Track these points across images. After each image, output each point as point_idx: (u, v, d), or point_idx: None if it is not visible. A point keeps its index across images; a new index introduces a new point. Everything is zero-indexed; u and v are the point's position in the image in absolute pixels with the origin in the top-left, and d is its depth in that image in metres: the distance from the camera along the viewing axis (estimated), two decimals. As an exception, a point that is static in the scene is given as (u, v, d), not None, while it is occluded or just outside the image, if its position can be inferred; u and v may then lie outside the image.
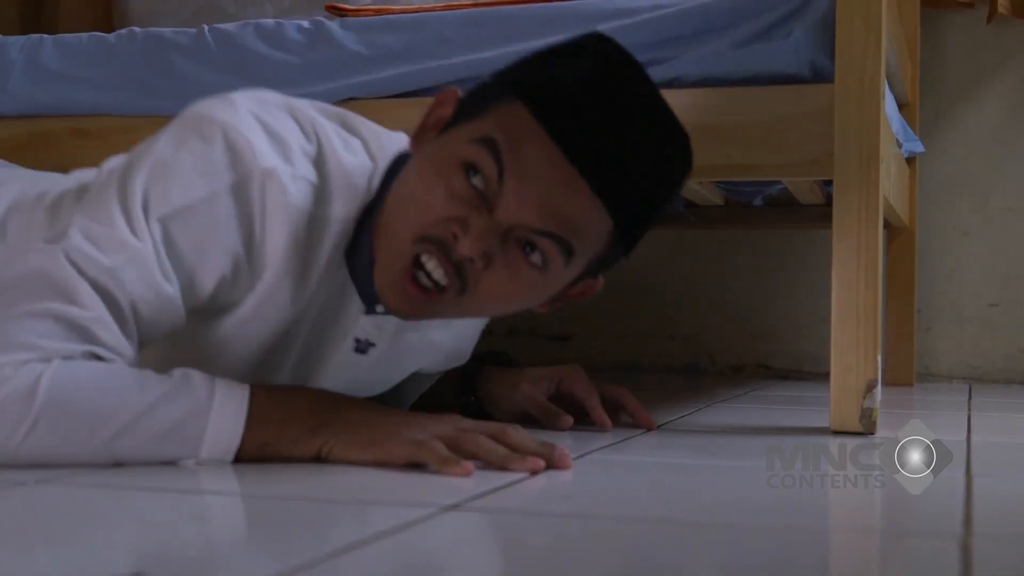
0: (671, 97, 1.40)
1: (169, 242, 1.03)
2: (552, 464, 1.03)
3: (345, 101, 1.50)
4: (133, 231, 1.01)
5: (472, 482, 0.96)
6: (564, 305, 1.17)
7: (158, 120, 1.58)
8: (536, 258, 1.04)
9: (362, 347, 1.19)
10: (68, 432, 0.98)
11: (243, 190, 1.04)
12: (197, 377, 1.02)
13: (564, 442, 1.26)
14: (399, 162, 1.12)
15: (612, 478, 1.05)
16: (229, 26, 1.58)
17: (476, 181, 1.02)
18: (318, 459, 1.02)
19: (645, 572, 0.70)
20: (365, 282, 1.11)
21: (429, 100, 1.45)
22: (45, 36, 1.64)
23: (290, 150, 1.07)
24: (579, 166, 1.01)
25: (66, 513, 0.83)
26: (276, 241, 1.05)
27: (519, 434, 1.06)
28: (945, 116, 2.31)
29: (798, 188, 1.77)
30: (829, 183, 1.64)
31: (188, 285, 1.05)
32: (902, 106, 2.12)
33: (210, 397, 1.01)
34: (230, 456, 1.01)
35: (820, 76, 1.36)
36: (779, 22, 1.38)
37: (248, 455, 1.01)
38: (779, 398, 1.84)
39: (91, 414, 0.98)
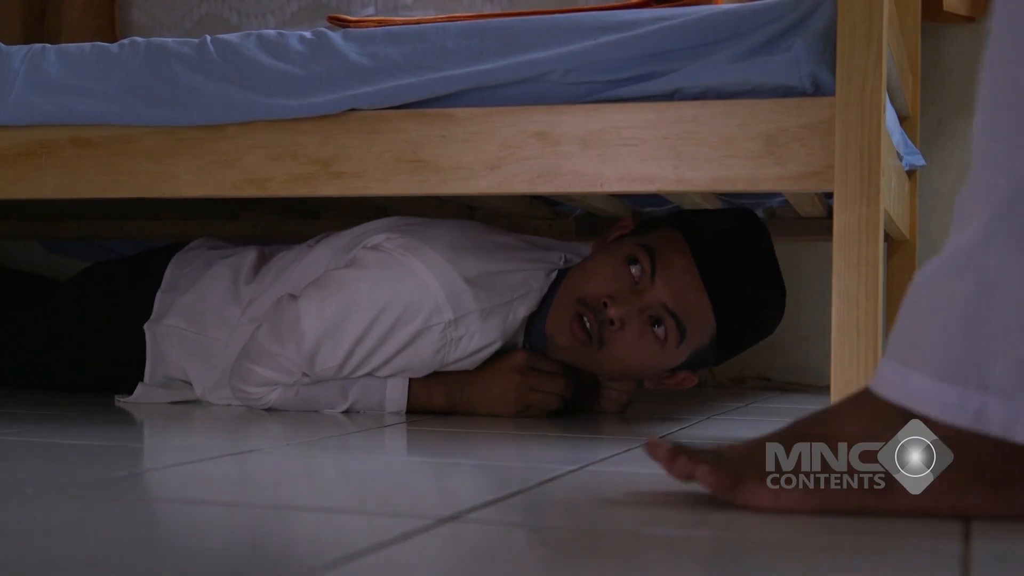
0: (672, 109, 1.42)
1: None
2: None
3: (347, 112, 1.50)
4: None
5: (470, 494, 0.95)
6: (665, 388, 1.59)
7: (160, 130, 1.59)
8: (660, 332, 1.48)
9: None
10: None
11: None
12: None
13: (566, 453, 1.26)
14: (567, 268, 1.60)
15: (612, 490, 1.05)
16: (231, 36, 1.58)
17: (634, 270, 1.48)
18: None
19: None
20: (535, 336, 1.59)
21: (431, 111, 1.48)
22: (47, 45, 1.64)
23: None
24: (706, 281, 1.47)
25: (62, 522, 0.83)
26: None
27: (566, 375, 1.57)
28: (946, 129, 2.31)
29: (799, 200, 1.77)
30: (830, 195, 1.64)
31: None
32: (903, 119, 2.12)
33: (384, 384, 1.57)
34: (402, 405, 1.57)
35: (821, 89, 1.36)
36: (780, 35, 1.38)
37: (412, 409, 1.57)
38: (779, 411, 1.84)
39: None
